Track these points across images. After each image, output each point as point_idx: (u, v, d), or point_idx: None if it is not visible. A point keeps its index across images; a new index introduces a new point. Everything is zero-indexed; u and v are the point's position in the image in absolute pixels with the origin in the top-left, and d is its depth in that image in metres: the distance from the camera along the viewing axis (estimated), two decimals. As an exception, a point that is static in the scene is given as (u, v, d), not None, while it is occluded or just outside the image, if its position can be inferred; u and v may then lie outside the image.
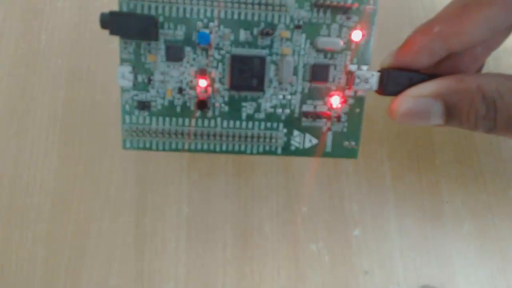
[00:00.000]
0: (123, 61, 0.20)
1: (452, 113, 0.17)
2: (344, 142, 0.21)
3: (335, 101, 0.20)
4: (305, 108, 0.20)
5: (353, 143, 0.21)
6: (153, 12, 0.20)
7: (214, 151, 0.20)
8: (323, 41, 0.20)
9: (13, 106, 0.27)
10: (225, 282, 0.24)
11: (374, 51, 0.20)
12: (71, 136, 0.26)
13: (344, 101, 0.20)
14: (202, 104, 0.20)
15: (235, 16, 0.20)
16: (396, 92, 0.19)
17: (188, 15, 0.20)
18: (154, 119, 0.20)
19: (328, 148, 0.21)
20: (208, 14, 0.20)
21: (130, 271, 0.24)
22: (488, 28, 0.17)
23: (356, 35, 0.20)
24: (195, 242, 0.24)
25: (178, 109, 0.20)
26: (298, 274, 0.23)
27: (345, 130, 0.21)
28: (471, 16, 0.17)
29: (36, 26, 0.28)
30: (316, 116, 0.20)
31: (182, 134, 0.20)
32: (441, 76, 0.18)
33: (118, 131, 0.26)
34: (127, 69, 0.19)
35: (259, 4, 0.20)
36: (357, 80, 0.19)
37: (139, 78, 0.20)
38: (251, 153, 0.20)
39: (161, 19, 0.20)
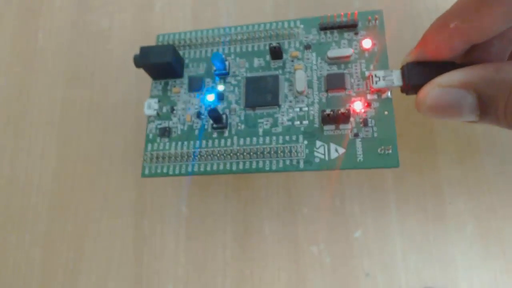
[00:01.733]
0: (152, 97, 0.22)
1: (487, 108, 0.15)
2: (378, 148, 0.18)
3: (358, 106, 0.19)
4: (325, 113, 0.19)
5: (388, 147, 0.18)
6: (179, 56, 0.22)
7: (231, 171, 0.20)
8: (333, 52, 0.20)
9: (10, 107, 0.26)
10: (224, 284, 0.23)
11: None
12: (68, 136, 0.26)
13: (368, 105, 0.19)
14: (214, 113, 0.19)
15: (249, 49, 0.22)
16: (422, 84, 0.16)
17: (208, 54, 0.22)
18: (173, 144, 0.21)
19: (360, 157, 0.19)
20: (226, 50, 0.22)
21: (129, 273, 0.24)
22: (511, 20, 0.15)
23: (366, 43, 0.20)
24: (194, 244, 0.24)
25: (196, 132, 0.21)
26: (298, 276, 0.23)
27: (375, 135, 0.19)
28: (490, 9, 0.15)
29: (33, 25, 0.28)
30: (338, 117, 0.18)
31: (199, 156, 0.20)
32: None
33: (116, 131, 0.26)
34: (153, 100, 0.21)
35: (270, 37, 0.22)
36: (375, 79, 0.18)
37: (164, 109, 0.22)
38: (270, 170, 0.19)
39: (186, 61, 0.22)
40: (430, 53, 0.17)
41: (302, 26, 0.21)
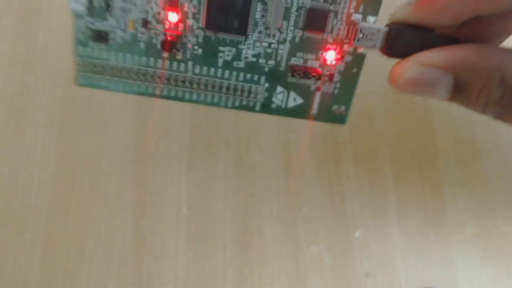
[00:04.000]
0: None
1: (461, 90, 0.15)
2: (333, 106, 0.18)
3: (330, 56, 0.17)
4: (294, 61, 0.17)
5: (342, 107, 0.18)
6: None
7: (183, 100, 0.18)
8: None
9: (10, 106, 0.26)
10: (225, 284, 0.23)
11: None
12: (68, 136, 0.26)
13: (341, 58, 0.17)
14: (170, 45, 0.17)
15: None
16: (403, 55, 0.16)
17: None
18: (112, 54, 0.17)
19: (314, 111, 0.18)
20: None
21: (129, 273, 0.24)
22: None
23: None
24: (194, 244, 0.24)
25: (142, 45, 0.17)
26: (298, 276, 0.23)
27: (336, 91, 0.18)
28: None
29: (33, 25, 0.28)
30: (305, 72, 0.17)
31: (145, 75, 0.17)
32: (459, 41, 0.15)
33: (116, 131, 0.26)
34: None
35: None
36: (359, 35, 0.16)
37: (95, 3, 0.17)
38: (225, 107, 0.18)
39: None
40: (430, 14, 0.16)
41: None
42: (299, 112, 0.18)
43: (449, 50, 0.15)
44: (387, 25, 0.16)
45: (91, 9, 0.17)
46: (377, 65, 0.17)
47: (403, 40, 0.16)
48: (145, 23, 0.17)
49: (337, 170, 0.24)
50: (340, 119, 0.18)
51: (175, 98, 0.18)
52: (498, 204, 0.22)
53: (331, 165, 0.24)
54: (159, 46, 0.17)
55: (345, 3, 0.17)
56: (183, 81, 0.17)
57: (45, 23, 0.28)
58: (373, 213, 0.23)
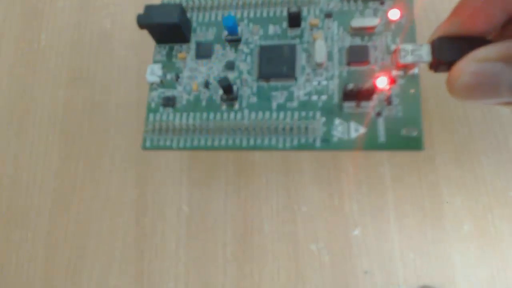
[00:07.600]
0: (156, 62, 0.21)
1: None
2: (402, 130, 0.17)
3: (382, 82, 0.17)
4: (347, 89, 0.17)
5: (414, 129, 0.17)
6: (187, 18, 0.20)
7: (241, 147, 0.18)
8: (357, 21, 0.18)
9: (13, 106, 0.27)
10: (225, 282, 0.24)
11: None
12: (71, 136, 0.26)
13: (393, 82, 0.17)
14: (224, 82, 0.18)
15: (264, 14, 0.20)
16: (454, 60, 0.14)
17: (219, 18, 0.21)
18: (178, 115, 0.19)
19: (382, 138, 0.17)
20: (238, 15, 0.20)
21: (130, 271, 0.24)
22: None
23: (393, 14, 0.18)
24: (195, 242, 0.24)
25: (204, 103, 0.19)
26: (298, 274, 0.23)
27: (400, 114, 0.17)
28: None
29: (36, 26, 0.28)
30: (361, 93, 0.17)
31: (207, 130, 0.19)
32: None
33: (118, 131, 0.26)
34: (157, 65, 0.20)
35: (287, 2, 0.20)
36: (403, 53, 0.16)
37: (168, 76, 0.20)
38: (284, 148, 0.18)
39: (194, 24, 0.21)
40: (463, 24, 0.15)
41: None
42: (366, 143, 0.17)
43: (507, 42, 0.13)
44: (429, 42, 0.16)
45: (163, 81, 0.20)
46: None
47: (450, 45, 0.15)
48: (207, 84, 0.20)
49: (335, 169, 0.24)
50: (415, 143, 0.17)
51: (234, 147, 0.18)
52: (495, 203, 0.22)
53: (330, 164, 0.25)
54: (218, 101, 0.19)
55: (381, 38, 0.18)
56: (240, 129, 0.18)
57: (48, 24, 0.28)
58: (372, 212, 0.23)
